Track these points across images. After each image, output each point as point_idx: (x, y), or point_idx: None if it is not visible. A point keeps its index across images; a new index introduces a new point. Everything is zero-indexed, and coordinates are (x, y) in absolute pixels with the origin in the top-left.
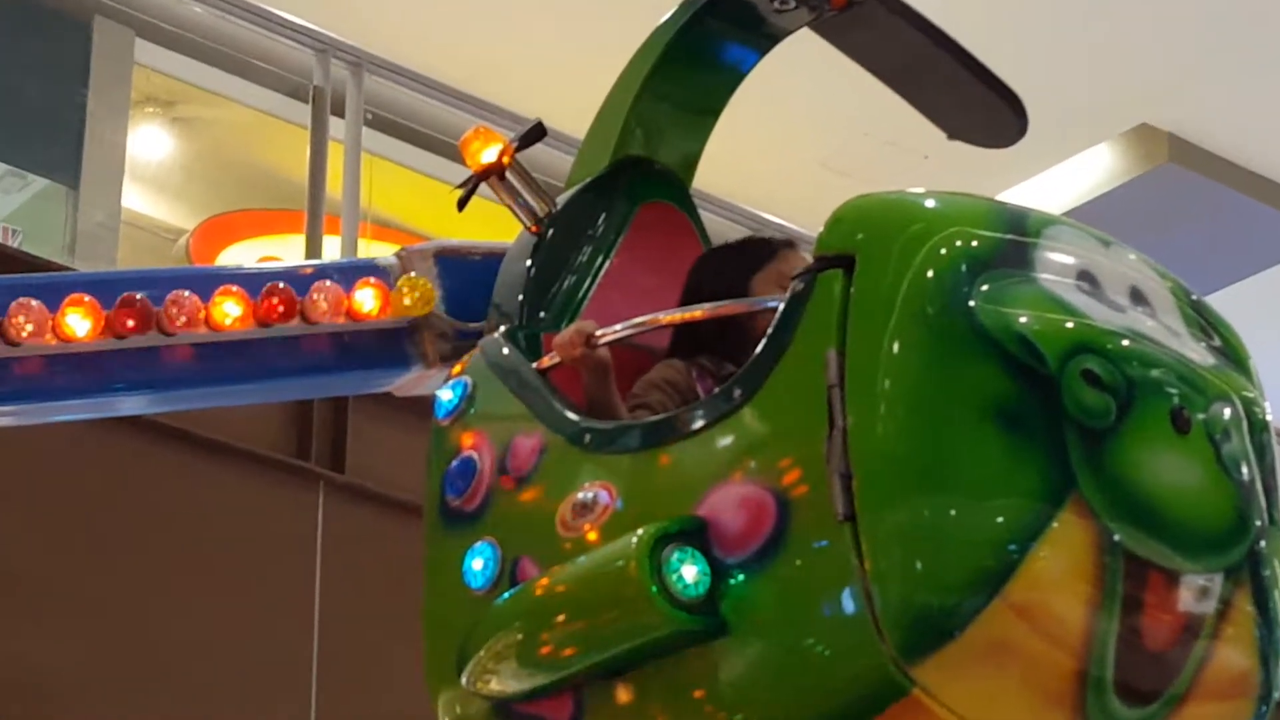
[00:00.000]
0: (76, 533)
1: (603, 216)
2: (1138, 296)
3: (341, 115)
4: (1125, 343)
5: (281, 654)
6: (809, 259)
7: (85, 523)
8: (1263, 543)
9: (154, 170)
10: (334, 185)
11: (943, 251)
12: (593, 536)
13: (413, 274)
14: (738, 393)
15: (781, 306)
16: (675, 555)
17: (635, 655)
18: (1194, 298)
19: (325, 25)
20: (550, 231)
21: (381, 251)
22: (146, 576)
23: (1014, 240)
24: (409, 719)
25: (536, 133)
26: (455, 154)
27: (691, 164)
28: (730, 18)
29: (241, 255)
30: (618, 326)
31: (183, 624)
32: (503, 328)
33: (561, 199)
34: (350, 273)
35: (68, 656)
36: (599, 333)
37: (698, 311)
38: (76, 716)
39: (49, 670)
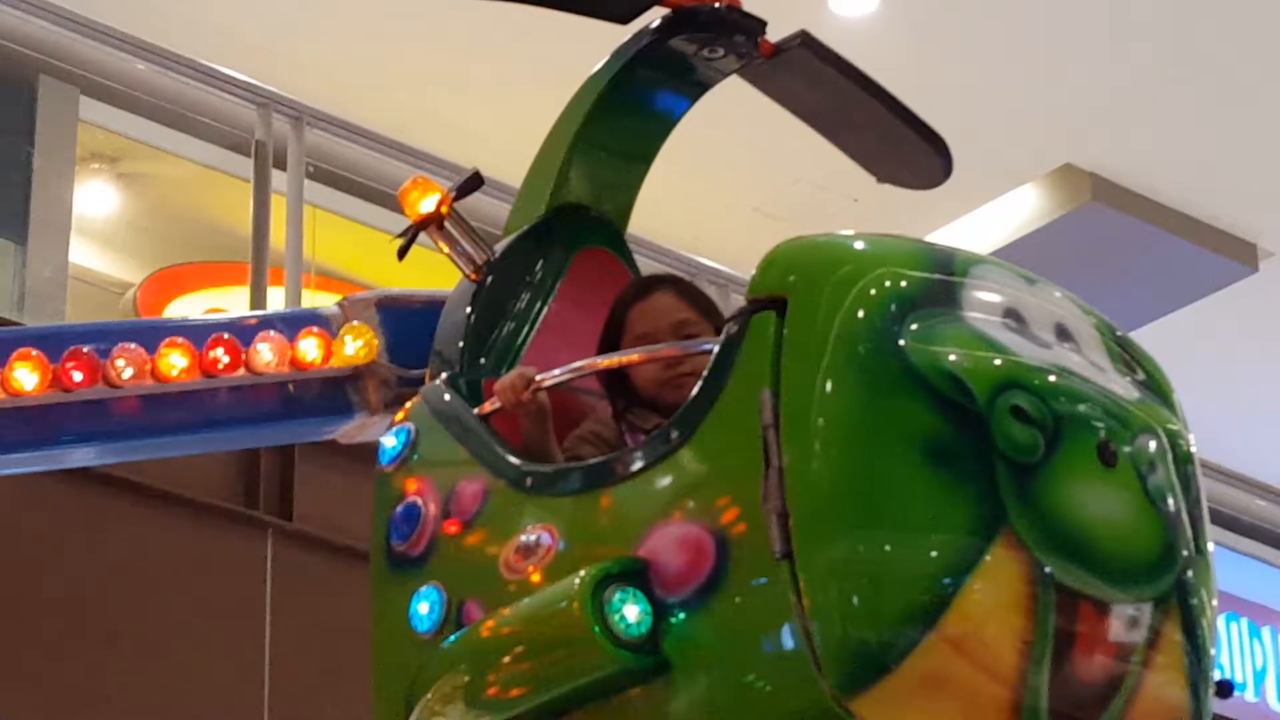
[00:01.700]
0: (27, 584)
1: (540, 263)
2: (1063, 333)
3: (283, 168)
4: (1052, 379)
5: (233, 700)
6: (677, 298)
7: (36, 573)
8: (1190, 572)
9: (100, 225)
10: (277, 237)
11: (872, 292)
12: (536, 578)
13: (355, 323)
14: (675, 434)
15: (716, 349)
16: (617, 595)
17: (580, 694)
18: (1118, 333)
19: (266, 80)
20: (489, 279)
21: (325, 301)
22: (98, 626)
23: (941, 280)
24: None
25: (474, 182)
26: (395, 204)
27: (626, 210)
28: (661, 66)
29: (188, 307)
30: (556, 371)
31: (134, 672)
32: (444, 374)
33: (500, 246)
34: (293, 323)
35: (18, 707)
36: (539, 378)
37: (634, 355)
38: None
39: None
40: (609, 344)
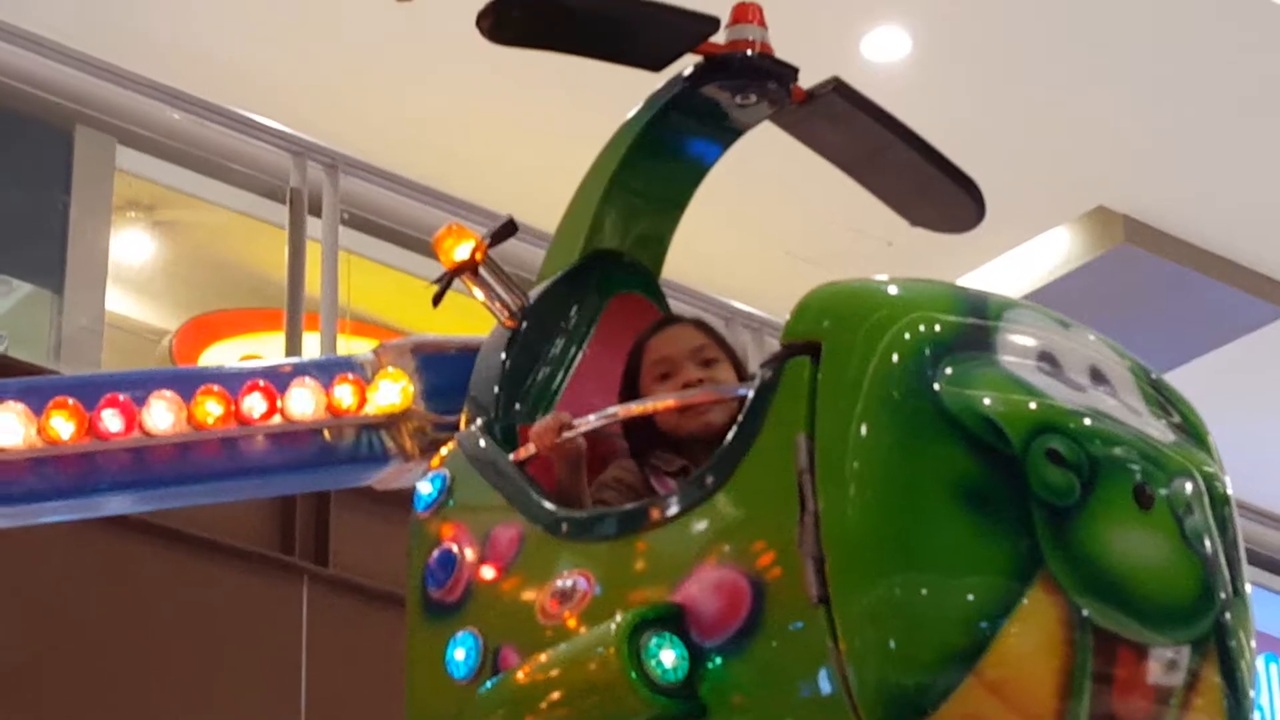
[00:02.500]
0: (68, 631)
1: (575, 309)
2: (1098, 376)
3: (318, 215)
4: (1087, 421)
5: None
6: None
7: (76, 621)
8: (1228, 614)
9: (136, 273)
10: (312, 283)
11: (906, 336)
12: (573, 623)
13: (390, 369)
14: (710, 479)
15: (751, 394)
16: (654, 641)
17: None
18: (1153, 376)
19: (300, 128)
20: (524, 325)
21: (360, 347)
22: (137, 673)
23: (975, 324)
24: None
25: (508, 229)
26: (430, 250)
27: (660, 255)
28: (694, 112)
29: (223, 354)
30: (591, 417)
31: (171, 715)
32: (479, 420)
33: (534, 292)
34: (329, 370)
35: None
36: (574, 423)
37: (670, 401)
38: None
39: None
40: (628, 379)
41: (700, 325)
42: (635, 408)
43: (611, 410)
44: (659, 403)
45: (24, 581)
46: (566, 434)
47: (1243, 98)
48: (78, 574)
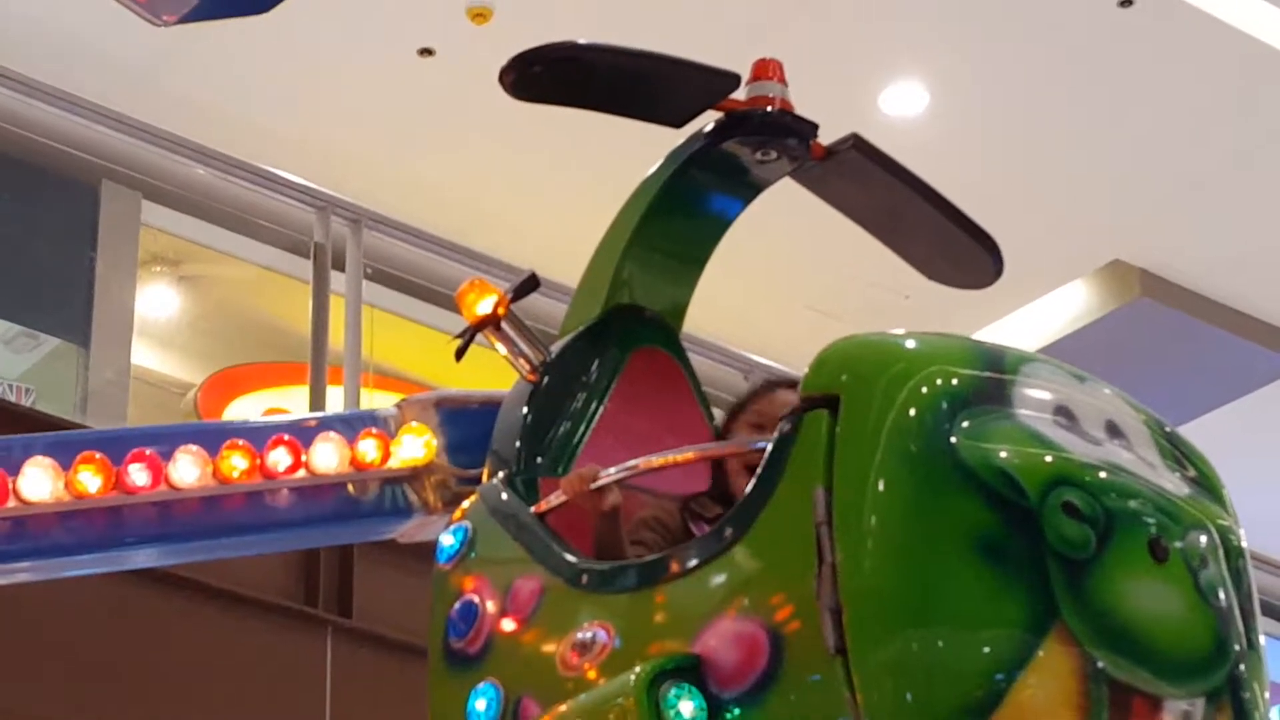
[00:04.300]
0: (95, 681)
1: (596, 363)
2: (1114, 430)
3: (342, 269)
4: (1103, 475)
5: None
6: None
7: (103, 672)
8: (1242, 666)
9: (162, 327)
10: (336, 337)
11: (924, 390)
12: (592, 675)
13: (413, 423)
14: (729, 532)
15: (769, 447)
16: (673, 691)
17: None
18: (1168, 430)
19: (324, 184)
20: (546, 379)
21: (383, 401)
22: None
23: (992, 378)
24: None
25: (530, 284)
26: (453, 305)
27: (680, 310)
28: (715, 168)
29: (248, 408)
30: (611, 470)
31: None
32: (501, 473)
33: (556, 347)
34: (353, 424)
35: None
36: (601, 475)
37: (689, 454)
38: None
39: None
40: (723, 429)
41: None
42: (656, 461)
43: (633, 462)
44: (678, 456)
45: (56, 634)
46: (595, 485)
47: (1256, 151)
48: (103, 625)
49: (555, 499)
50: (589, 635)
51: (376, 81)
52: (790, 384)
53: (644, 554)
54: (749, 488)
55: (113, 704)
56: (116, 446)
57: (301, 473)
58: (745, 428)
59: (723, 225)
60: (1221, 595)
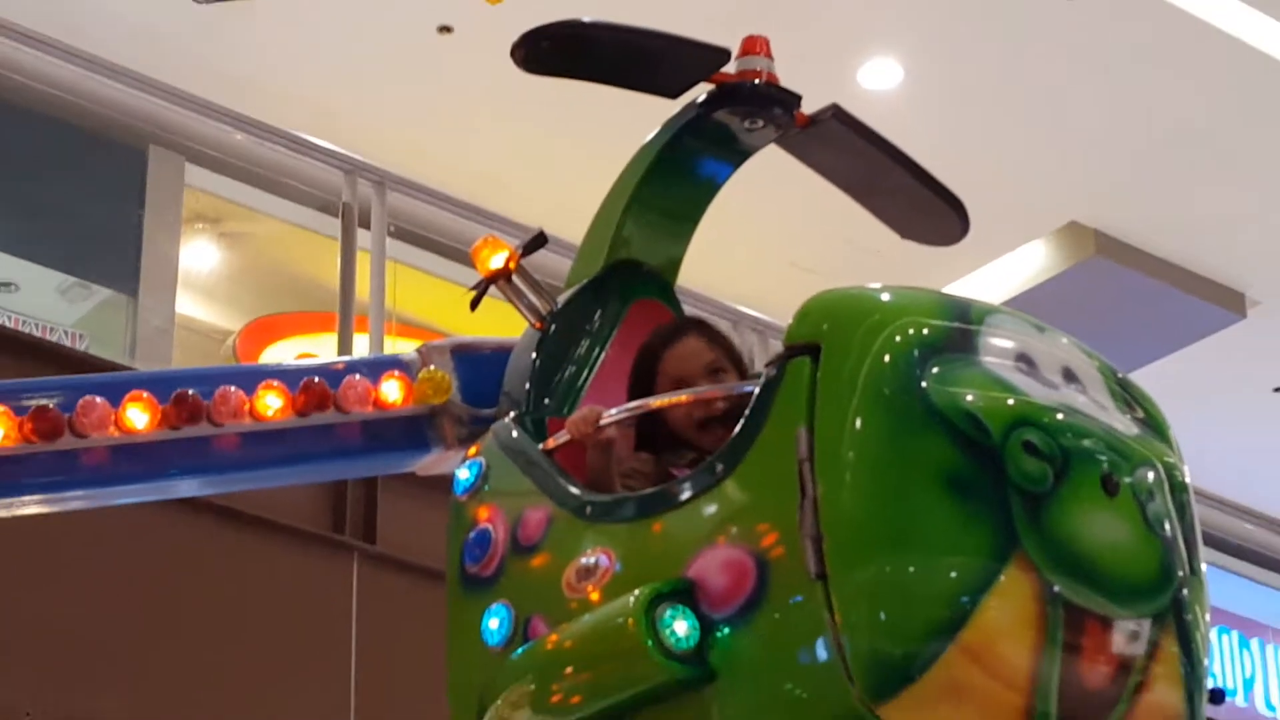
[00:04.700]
0: (137, 602)
1: (598, 313)
2: (1070, 375)
3: (367, 227)
4: (1060, 417)
5: (322, 707)
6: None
7: (148, 593)
8: (1185, 591)
9: (204, 279)
10: (362, 289)
11: (897, 339)
12: (595, 597)
13: (432, 367)
14: (719, 467)
15: (756, 391)
16: (668, 612)
17: (634, 702)
18: (1119, 376)
19: (352, 148)
20: (552, 327)
21: (404, 347)
22: (197, 639)
23: (959, 328)
24: None
25: (539, 240)
26: (469, 260)
27: (675, 265)
28: (707, 136)
29: (282, 353)
30: (613, 411)
31: (230, 679)
32: (512, 413)
33: (561, 298)
34: (377, 367)
35: (126, 715)
36: (605, 415)
37: (683, 396)
38: None
39: None
40: (641, 385)
41: (708, 334)
42: (654, 402)
43: (638, 403)
44: (678, 397)
45: (99, 557)
46: (599, 424)
47: (1201, 125)
48: (149, 550)
49: (561, 437)
50: (592, 561)
51: (400, 55)
52: (690, 326)
53: (636, 487)
54: (737, 428)
55: (156, 621)
56: (162, 387)
57: (330, 411)
58: (669, 381)
59: (714, 188)
60: (1167, 526)
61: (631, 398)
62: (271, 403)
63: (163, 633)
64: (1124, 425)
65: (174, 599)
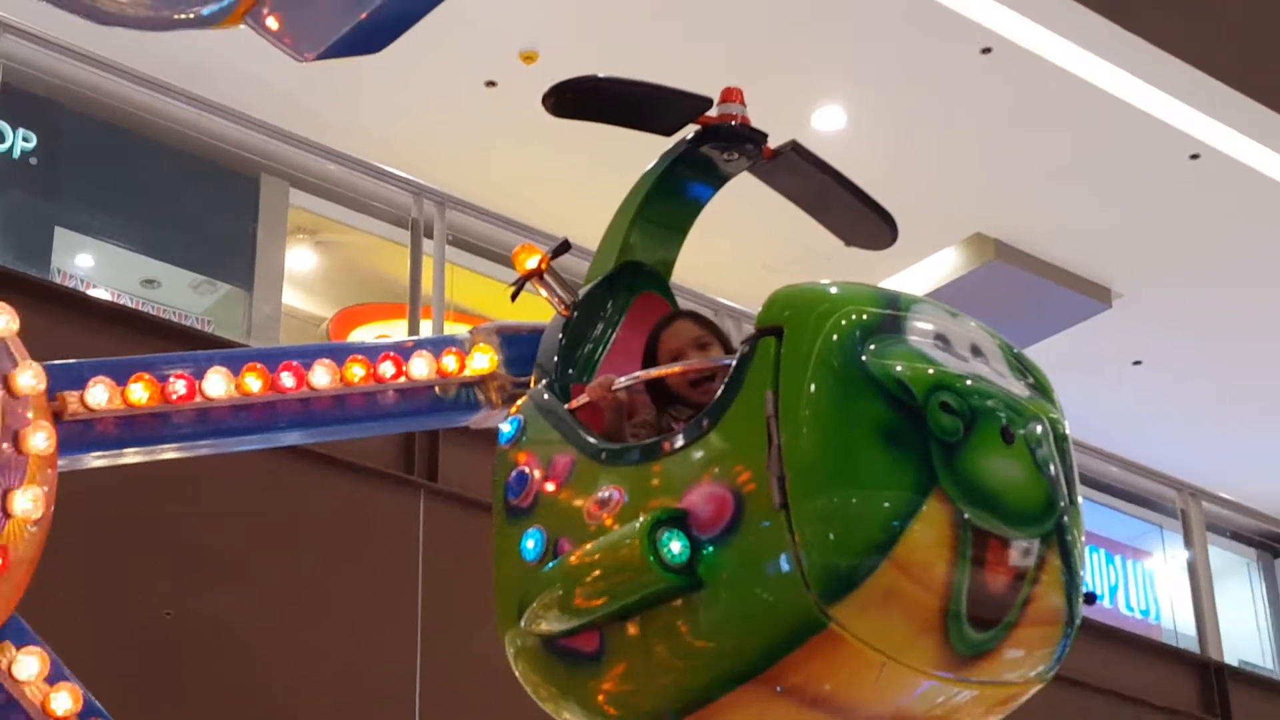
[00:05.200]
0: (251, 527)
1: (610, 303)
2: (976, 350)
3: (431, 237)
4: (969, 382)
5: (393, 622)
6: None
7: (256, 520)
8: (1065, 517)
9: (303, 278)
10: (426, 285)
11: (842, 323)
12: (609, 522)
13: (481, 344)
14: (706, 422)
15: (734, 363)
16: (665, 535)
17: (639, 604)
18: (1015, 351)
19: (419, 176)
20: (575, 314)
21: (459, 330)
22: (297, 557)
23: (891, 314)
24: (498, 659)
25: (564, 247)
26: (510, 262)
27: (670, 265)
28: (694, 165)
29: (364, 334)
30: (622, 379)
31: (321, 591)
32: (543, 381)
33: (582, 291)
34: (438, 345)
35: (240, 616)
36: (616, 382)
37: (676, 368)
38: (255, 662)
39: (238, 636)
40: (647, 356)
41: (697, 319)
42: (654, 372)
43: (641, 373)
44: (674, 368)
45: (231, 495)
46: (614, 388)
47: (1077, 157)
48: (262, 485)
49: (582, 399)
50: (606, 495)
51: (456, 104)
52: (684, 314)
53: (644, 434)
54: (719, 392)
55: (265, 542)
56: (271, 359)
57: (402, 379)
58: (666, 352)
59: (700, 206)
60: (1052, 467)
61: (642, 368)
62: (356, 372)
63: (270, 551)
64: (1019, 389)
65: (278, 525)
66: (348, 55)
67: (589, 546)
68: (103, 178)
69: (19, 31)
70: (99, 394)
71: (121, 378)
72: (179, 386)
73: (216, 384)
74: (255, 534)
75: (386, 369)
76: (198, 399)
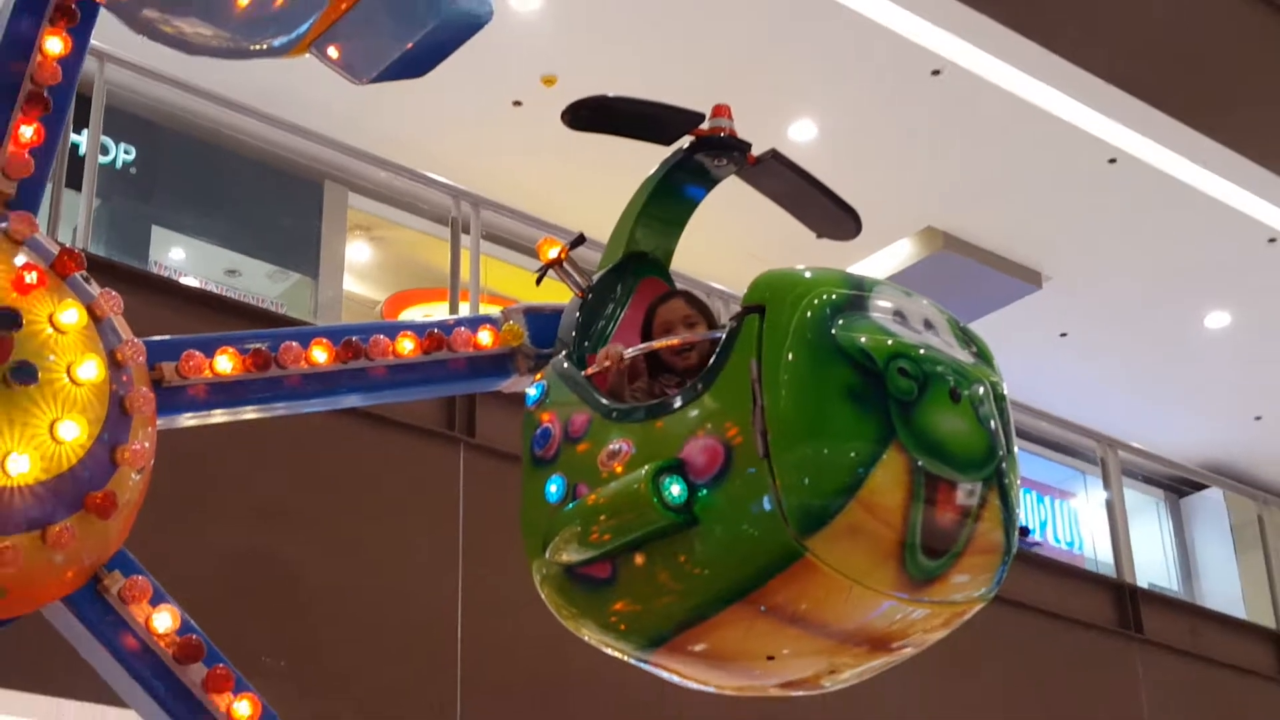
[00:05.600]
0: (315, 476)
1: (619, 287)
2: (928, 324)
3: (467, 233)
4: (922, 351)
5: (437, 565)
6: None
7: (320, 471)
8: (1004, 464)
9: (361, 267)
10: (465, 274)
11: (815, 301)
12: (619, 470)
13: (511, 322)
14: (700, 386)
15: (723, 336)
16: (667, 479)
17: (645, 538)
18: (961, 325)
19: (457, 181)
20: (589, 296)
21: (492, 310)
22: (354, 504)
23: (856, 294)
24: (528, 587)
25: (580, 240)
26: (534, 253)
27: (670, 255)
28: (689, 171)
29: (412, 314)
30: (628, 351)
31: (374, 536)
32: (563, 352)
33: (595, 277)
34: (475, 322)
35: (306, 557)
36: (625, 352)
37: (674, 340)
38: (325, 609)
39: (301, 573)
40: (645, 327)
41: (687, 298)
42: (655, 344)
43: (644, 345)
44: (673, 340)
45: (299, 449)
46: (625, 356)
47: (1005, 164)
48: (324, 441)
49: (596, 366)
50: (617, 447)
51: (486, 120)
52: (677, 293)
53: (640, 397)
54: (711, 360)
55: (328, 490)
56: (334, 335)
57: (444, 351)
58: (659, 324)
59: (694, 204)
60: (992, 423)
61: (640, 336)
62: (406, 345)
63: (331, 498)
64: (964, 357)
65: (339, 476)
66: (397, 79)
67: (602, 490)
68: (192, 184)
69: (119, 61)
70: (191, 364)
71: (209, 351)
72: (257, 357)
73: (289, 355)
74: (319, 483)
75: (431, 343)
76: (273, 369)
